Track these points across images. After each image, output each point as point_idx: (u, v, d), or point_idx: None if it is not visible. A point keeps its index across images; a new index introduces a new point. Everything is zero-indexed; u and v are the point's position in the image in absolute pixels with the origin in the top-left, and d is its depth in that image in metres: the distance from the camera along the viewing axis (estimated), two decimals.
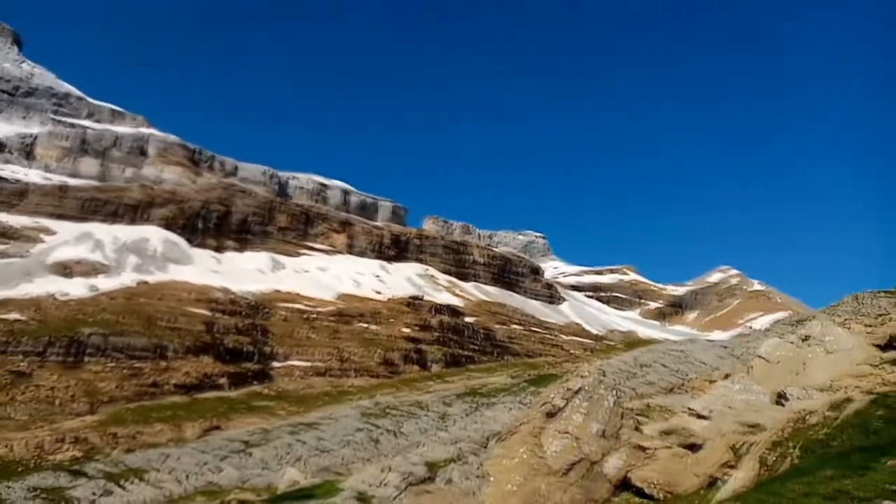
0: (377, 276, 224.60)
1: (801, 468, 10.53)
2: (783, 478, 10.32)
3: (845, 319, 40.74)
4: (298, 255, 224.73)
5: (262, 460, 47.87)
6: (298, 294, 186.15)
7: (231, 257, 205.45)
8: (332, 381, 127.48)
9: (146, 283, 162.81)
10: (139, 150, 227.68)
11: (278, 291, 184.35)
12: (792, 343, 22.62)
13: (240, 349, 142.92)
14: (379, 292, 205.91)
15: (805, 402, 16.67)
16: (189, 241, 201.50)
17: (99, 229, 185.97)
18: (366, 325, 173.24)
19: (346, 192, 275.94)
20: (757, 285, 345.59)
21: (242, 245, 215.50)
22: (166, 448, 54.62)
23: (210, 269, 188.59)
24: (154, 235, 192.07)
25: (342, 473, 38.02)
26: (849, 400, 14.18)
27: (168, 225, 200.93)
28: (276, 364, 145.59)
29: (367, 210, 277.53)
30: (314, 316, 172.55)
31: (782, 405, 18.20)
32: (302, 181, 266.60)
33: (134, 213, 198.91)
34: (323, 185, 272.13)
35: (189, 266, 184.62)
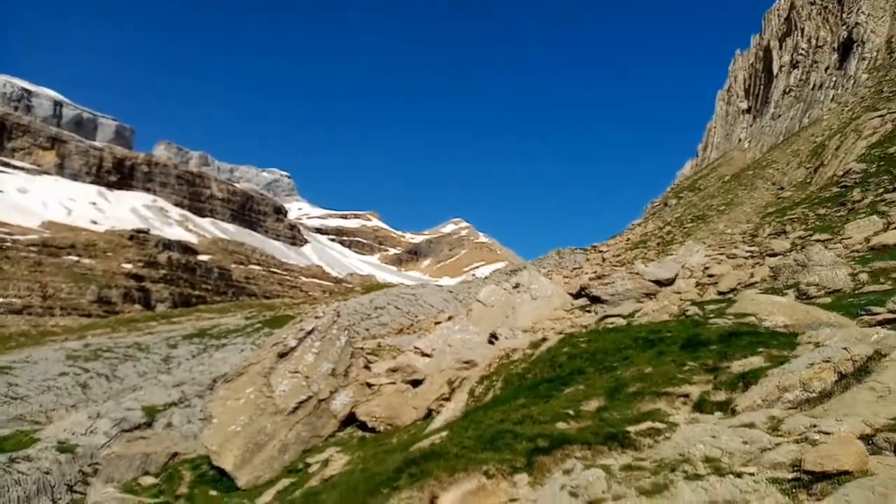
0: (94, 204, 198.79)
1: (501, 398, 12.01)
2: (486, 407, 11.68)
3: (549, 271, 47.10)
4: None
5: None
6: None
7: None
8: (32, 321, 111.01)
9: None
10: None
11: None
12: (505, 290, 25.43)
13: None
14: (96, 222, 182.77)
15: (512, 342, 18.95)
16: None
17: None
18: (77, 259, 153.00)
19: (58, 104, 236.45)
20: (483, 237, 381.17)
21: None
22: None
23: None
24: None
25: (41, 422, 33.62)
26: (545, 339, 16.46)
27: None
28: None
29: (85, 127, 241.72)
30: (10, 245, 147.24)
31: (493, 343, 20.46)
32: None
33: None
34: (27, 91, 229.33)
35: None
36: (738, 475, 5.42)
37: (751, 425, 6.44)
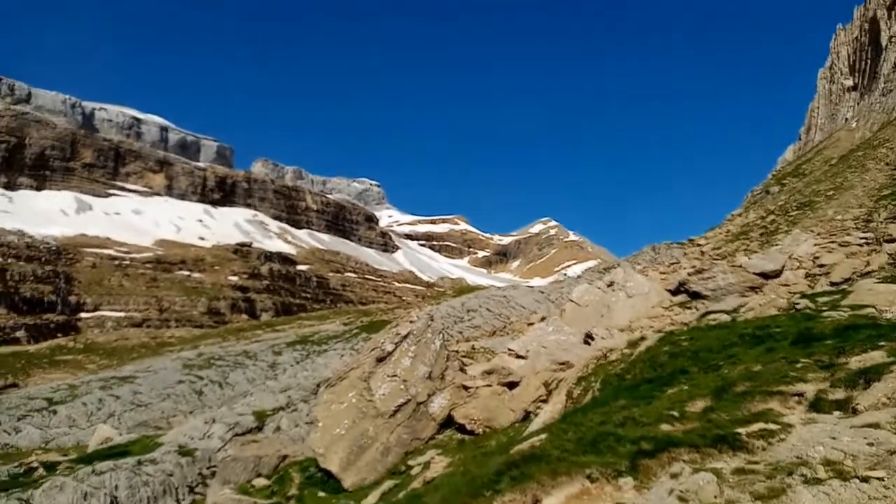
0: (200, 221, 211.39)
1: (600, 399, 11.79)
2: (585, 409, 11.50)
3: (644, 267, 45.68)
4: (108, 195, 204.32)
5: (69, 418, 43.93)
6: (109, 239, 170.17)
7: (26, 196, 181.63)
8: (151, 333, 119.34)
9: None
10: None
11: (85, 235, 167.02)
12: (599, 288, 24.93)
13: (39, 299, 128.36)
14: (203, 238, 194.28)
15: (608, 341, 18.56)
16: None
17: None
18: (188, 273, 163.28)
19: (164, 129, 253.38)
20: (572, 236, 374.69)
21: (40, 183, 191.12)
22: None
23: (0, 208, 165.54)
24: None
25: (162, 428, 36.11)
26: (643, 338, 16.02)
27: None
28: (84, 315, 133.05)
29: (189, 149, 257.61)
30: (128, 263, 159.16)
31: (589, 344, 20.11)
32: (111, 113, 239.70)
33: None
34: (137, 119, 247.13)
35: None
36: (865, 479, 5.08)
37: (875, 425, 6.01)
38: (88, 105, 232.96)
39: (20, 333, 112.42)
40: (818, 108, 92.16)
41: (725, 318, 16.81)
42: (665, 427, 7.78)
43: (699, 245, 53.74)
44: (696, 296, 23.44)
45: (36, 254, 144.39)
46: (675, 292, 25.32)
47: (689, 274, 26.04)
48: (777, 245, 31.88)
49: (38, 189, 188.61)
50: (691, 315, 20.39)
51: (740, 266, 23.71)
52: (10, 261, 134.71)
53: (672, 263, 45.85)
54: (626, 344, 15.99)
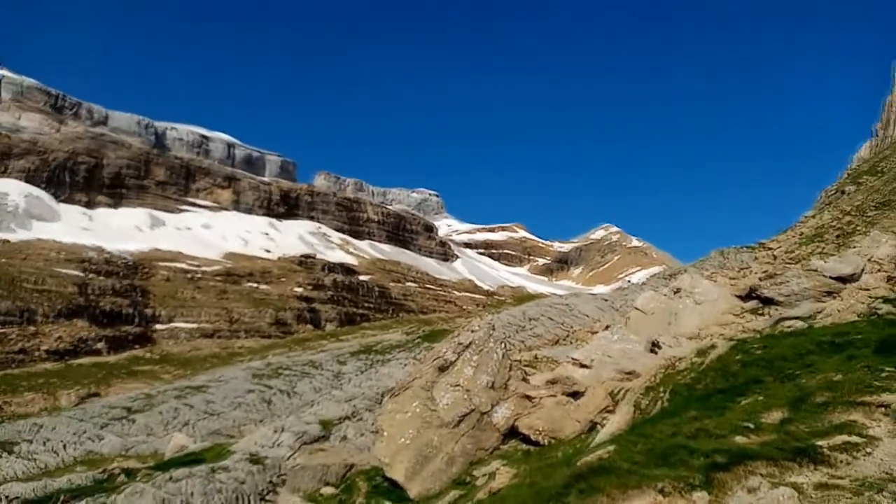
0: (266, 234, 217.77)
1: (670, 410, 11.48)
2: (654, 420, 11.23)
3: (712, 273, 44.31)
4: (180, 211, 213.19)
5: (147, 426, 45.90)
6: (181, 253, 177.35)
7: (104, 213, 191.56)
8: (221, 343, 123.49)
9: (7, 241, 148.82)
10: None
11: (159, 250, 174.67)
12: (665, 295, 24.32)
13: (118, 311, 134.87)
14: (268, 251, 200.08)
15: (675, 350, 18.08)
16: (55, 195, 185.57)
17: None
18: (255, 285, 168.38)
19: (230, 146, 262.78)
20: (635, 242, 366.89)
21: (117, 200, 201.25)
22: (39, 418, 51.01)
23: (80, 226, 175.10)
24: (14, 189, 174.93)
25: (233, 436, 37.25)
26: (713, 346, 15.52)
27: (30, 178, 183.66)
28: (158, 326, 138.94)
29: (254, 165, 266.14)
30: (199, 276, 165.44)
31: (655, 353, 19.63)
32: (181, 132, 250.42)
33: None
34: (205, 137, 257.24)
35: (57, 223, 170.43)
36: None
37: None
38: (160, 125, 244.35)
39: (100, 345, 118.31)
40: (895, 102, 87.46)
41: (801, 324, 16.12)
42: (740, 439, 7.52)
43: (770, 248, 51.70)
44: (768, 302, 22.55)
45: (114, 268, 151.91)
46: (745, 298, 24.42)
47: (760, 279, 25.09)
48: (854, 247, 30.35)
49: (115, 207, 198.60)
50: (764, 322, 19.63)
51: (815, 270, 22.69)
52: (90, 276, 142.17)
53: (741, 268, 44.28)
54: (694, 352, 15.54)
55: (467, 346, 19.78)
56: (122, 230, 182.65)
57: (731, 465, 6.66)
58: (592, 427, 16.02)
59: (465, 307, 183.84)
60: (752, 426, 7.92)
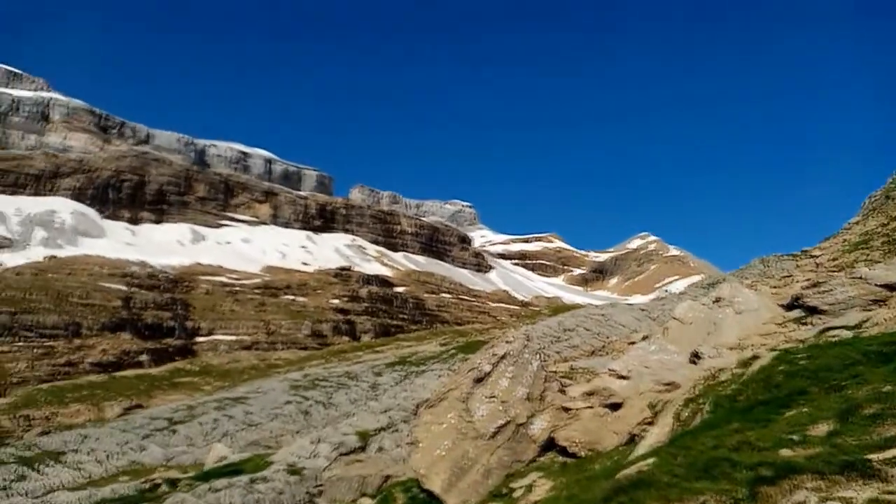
0: (304, 248, 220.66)
1: (711, 422, 11.22)
2: (695, 432, 10.98)
3: (753, 281, 43.29)
4: (220, 226, 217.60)
5: (188, 437, 46.75)
6: (221, 267, 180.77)
7: (147, 229, 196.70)
8: (260, 355, 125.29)
9: (55, 257, 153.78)
10: (40, 115, 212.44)
11: (199, 264, 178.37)
12: (704, 305, 23.83)
13: (160, 324, 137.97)
14: (306, 264, 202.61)
15: (716, 361, 17.68)
16: (100, 212, 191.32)
17: (1, 201, 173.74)
18: (293, 298, 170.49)
19: (268, 161, 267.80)
20: (673, 250, 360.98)
21: (159, 216, 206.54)
22: (84, 429, 52.41)
23: (125, 241, 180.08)
24: (62, 207, 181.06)
25: (272, 447, 37.65)
26: (755, 357, 15.13)
27: (77, 196, 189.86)
28: (199, 339, 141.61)
29: (291, 179, 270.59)
30: (238, 289, 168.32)
31: (696, 364, 19.22)
32: (221, 149, 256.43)
33: (38, 183, 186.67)
34: (244, 153, 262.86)
35: (102, 239, 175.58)
36: None
37: None
38: (200, 142, 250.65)
39: (143, 357, 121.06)
40: None
41: (847, 334, 15.61)
42: (785, 452, 7.31)
43: (814, 256, 50.27)
44: (812, 311, 21.91)
45: (156, 282, 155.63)
46: (788, 307, 23.78)
47: (803, 287, 24.41)
48: None
49: (158, 222, 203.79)
50: (808, 332, 19.07)
51: (861, 277, 21.98)
52: (133, 290, 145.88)
53: (784, 277, 43.19)
54: (736, 363, 15.18)
55: (503, 358, 19.68)
56: (164, 245, 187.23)
57: (776, 478, 6.47)
58: (631, 439, 15.75)
59: (500, 318, 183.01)
60: (797, 439, 7.69)
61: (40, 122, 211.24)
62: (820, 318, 20.72)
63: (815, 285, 23.57)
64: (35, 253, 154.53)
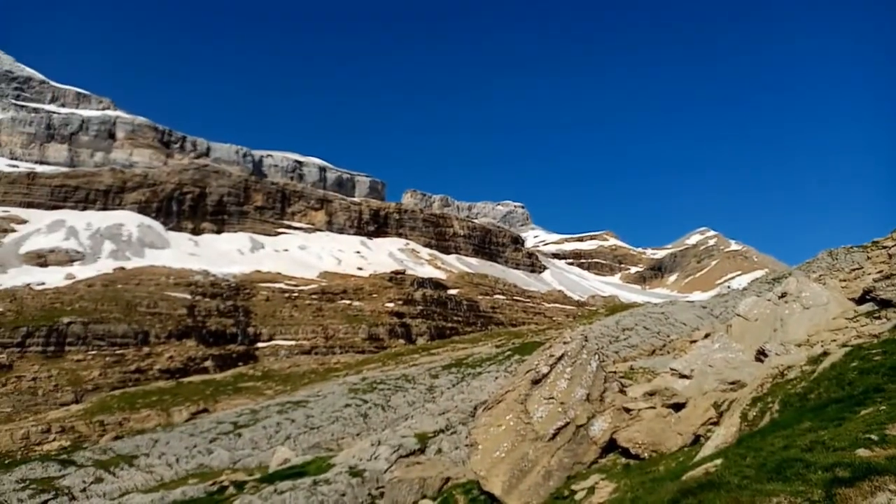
0: (358, 253, 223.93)
1: (781, 422, 10.81)
2: (763, 432, 10.60)
3: (821, 275, 41.58)
4: (277, 234, 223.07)
5: (252, 440, 48.01)
6: (280, 273, 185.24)
7: (209, 239, 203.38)
8: (319, 359, 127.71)
9: (123, 268, 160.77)
10: (107, 133, 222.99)
11: (259, 271, 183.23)
12: (769, 300, 23.01)
13: (223, 331, 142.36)
14: (361, 268, 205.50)
15: (784, 358, 17.03)
16: (165, 224, 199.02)
17: (71, 216, 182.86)
18: (349, 302, 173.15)
19: (322, 169, 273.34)
20: (734, 245, 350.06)
21: (219, 226, 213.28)
22: (155, 433, 54.51)
23: (188, 251, 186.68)
24: (128, 220, 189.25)
25: (333, 449, 38.28)
26: (826, 353, 14.51)
27: (142, 209, 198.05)
28: (260, 344, 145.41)
29: (345, 186, 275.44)
30: (296, 295, 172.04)
31: (761, 361, 18.57)
32: (277, 159, 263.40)
33: (106, 198, 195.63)
34: (298, 162, 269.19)
35: (166, 250, 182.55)
36: None
37: None
38: (257, 153, 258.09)
39: (208, 363, 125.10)
40: None
41: None
42: (863, 452, 6.97)
43: (885, 247, 47.92)
44: (885, 304, 20.88)
45: (218, 290, 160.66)
46: (859, 301, 22.72)
47: (875, 280, 23.29)
48: None
49: (219, 232, 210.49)
50: (881, 326, 18.17)
51: None
52: (197, 298, 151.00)
53: (853, 269, 41.33)
54: (805, 360, 14.59)
55: (560, 358, 19.46)
56: (225, 254, 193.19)
57: (855, 479, 6.18)
58: (696, 440, 15.33)
59: (555, 318, 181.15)
60: (875, 438, 7.33)
61: (107, 140, 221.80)
62: (894, 312, 19.72)
63: (888, 277, 22.44)
64: (104, 265, 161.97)
